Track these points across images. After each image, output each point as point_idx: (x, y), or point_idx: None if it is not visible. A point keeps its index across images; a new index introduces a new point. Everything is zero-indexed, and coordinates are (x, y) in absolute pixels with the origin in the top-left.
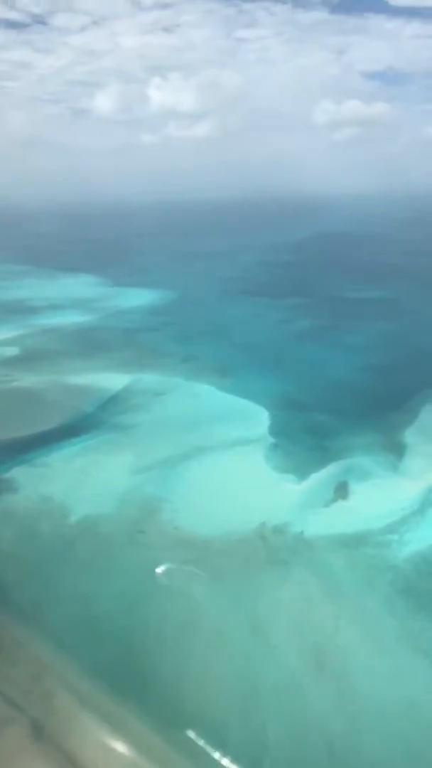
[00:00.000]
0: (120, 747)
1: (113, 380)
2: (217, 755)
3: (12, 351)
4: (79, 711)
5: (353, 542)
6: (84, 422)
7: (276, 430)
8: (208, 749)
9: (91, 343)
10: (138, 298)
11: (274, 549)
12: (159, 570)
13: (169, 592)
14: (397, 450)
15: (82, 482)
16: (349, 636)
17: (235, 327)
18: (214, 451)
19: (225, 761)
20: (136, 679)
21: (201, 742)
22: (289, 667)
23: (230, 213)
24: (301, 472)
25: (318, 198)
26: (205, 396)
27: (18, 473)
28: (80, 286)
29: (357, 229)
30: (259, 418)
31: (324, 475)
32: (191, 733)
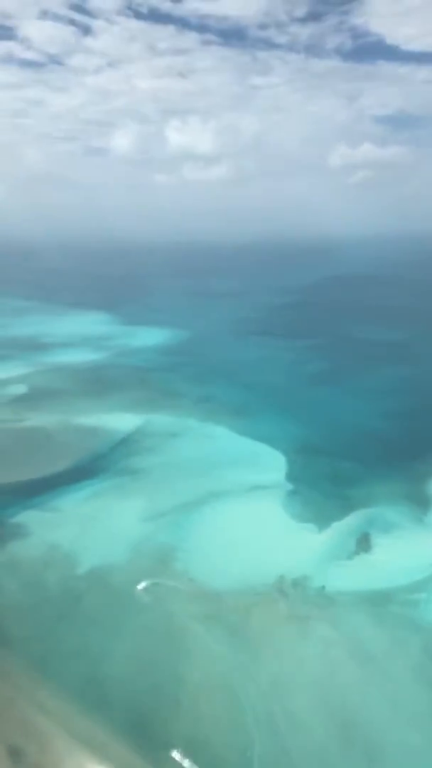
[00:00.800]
0: None
1: (124, 421)
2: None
3: (20, 389)
4: (57, 734)
5: (378, 600)
6: (94, 465)
7: (293, 476)
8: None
9: (102, 382)
10: (149, 337)
11: (294, 604)
12: (140, 587)
13: (183, 650)
14: (421, 501)
15: (91, 529)
16: (378, 705)
17: (249, 368)
18: (229, 496)
19: None
20: (152, 745)
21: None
22: (314, 737)
23: (243, 254)
24: (321, 522)
25: (331, 240)
26: (219, 438)
27: (25, 518)
28: (90, 323)
29: (369, 271)
30: (275, 463)
31: (345, 526)
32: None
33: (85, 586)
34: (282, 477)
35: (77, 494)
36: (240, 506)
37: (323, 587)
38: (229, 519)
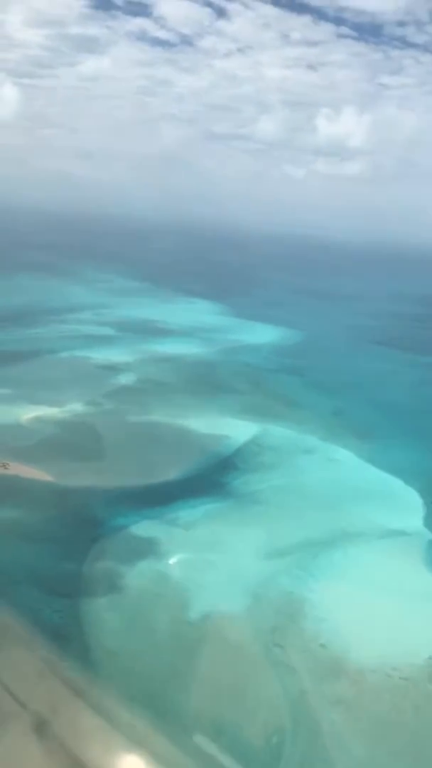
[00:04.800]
0: (124, 747)
1: (237, 428)
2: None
3: (128, 378)
4: (84, 710)
5: None
6: (207, 478)
7: None
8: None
9: (211, 380)
10: (262, 333)
11: None
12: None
13: (318, 746)
14: None
15: (204, 561)
16: None
17: (373, 382)
18: (361, 540)
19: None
20: None
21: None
22: None
23: (366, 255)
24: None
25: None
26: (345, 464)
27: (129, 537)
28: (200, 312)
29: None
30: (412, 504)
31: None
32: (198, 737)
33: (198, 637)
34: (420, 522)
35: (190, 513)
36: (375, 555)
37: None
38: (364, 570)
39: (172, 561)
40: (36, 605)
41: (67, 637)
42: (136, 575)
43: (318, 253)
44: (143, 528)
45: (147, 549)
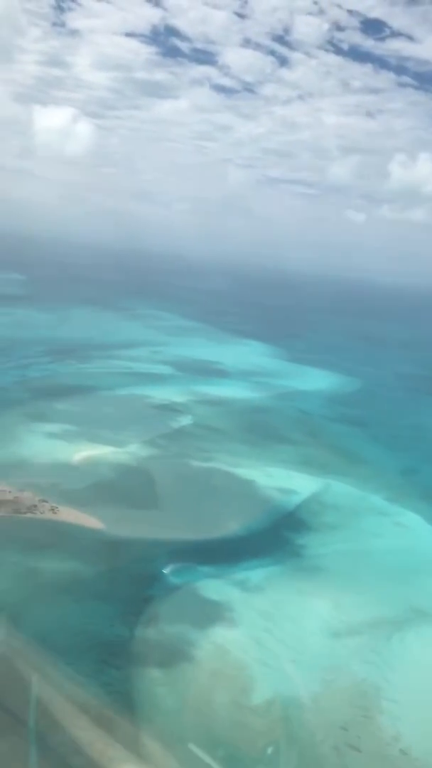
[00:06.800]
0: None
1: (296, 483)
2: None
3: (182, 421)
4: (79, 721)
5: None
6: (264, 538)
7: None
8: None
9: (267, 428)
10: (316, 379)
11: None
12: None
13: None
14: None
15: (267, 635)
16: None
17: None
18: None
19: None
20: None
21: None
22: None
23: (420, 301)
24: None
25: None
26: (415, 531)
27: (184, 600)
28: (250, 354)
29: None
30: None
31: None
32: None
33: (264, 729)
34: None
35: (249, 575)
36: None
37: None
38: None
39: (231, 632)
40: (84, 677)
41: (115, 719)
42: (193, 646)
43: (374, 298)
44: (200, 590)
45: (204, 615)
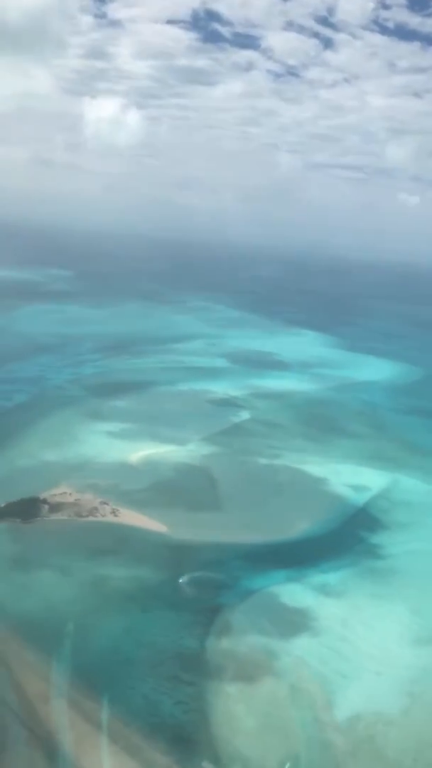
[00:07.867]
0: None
1: (363, 478)
2: None
3: (242, 416)
4: (92, 732)
5: None
6: (335, 537)
7: None
8: None
9: (329, 421)
10: (376, 369)
11: None
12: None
13: None
14: None
15: (346, 644)
16: None
17: None
18: None
19: None
20: None
21: None
22: None
23: None
24: None
25: None
26: None
27: (255, 608)
28: (307, 344)
29: None
30: None
31: None
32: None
33: (350, 748)
34: None
35: (322, 579)
36: None
37: None
38: None
39: (308, 642)
40: (154, 695)
41: (192, 740)
42: (269, 658)
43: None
44: (271, 596)
45: (278, 624)
